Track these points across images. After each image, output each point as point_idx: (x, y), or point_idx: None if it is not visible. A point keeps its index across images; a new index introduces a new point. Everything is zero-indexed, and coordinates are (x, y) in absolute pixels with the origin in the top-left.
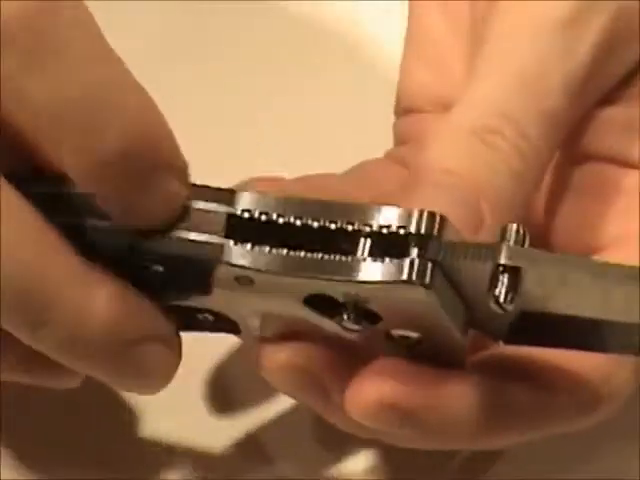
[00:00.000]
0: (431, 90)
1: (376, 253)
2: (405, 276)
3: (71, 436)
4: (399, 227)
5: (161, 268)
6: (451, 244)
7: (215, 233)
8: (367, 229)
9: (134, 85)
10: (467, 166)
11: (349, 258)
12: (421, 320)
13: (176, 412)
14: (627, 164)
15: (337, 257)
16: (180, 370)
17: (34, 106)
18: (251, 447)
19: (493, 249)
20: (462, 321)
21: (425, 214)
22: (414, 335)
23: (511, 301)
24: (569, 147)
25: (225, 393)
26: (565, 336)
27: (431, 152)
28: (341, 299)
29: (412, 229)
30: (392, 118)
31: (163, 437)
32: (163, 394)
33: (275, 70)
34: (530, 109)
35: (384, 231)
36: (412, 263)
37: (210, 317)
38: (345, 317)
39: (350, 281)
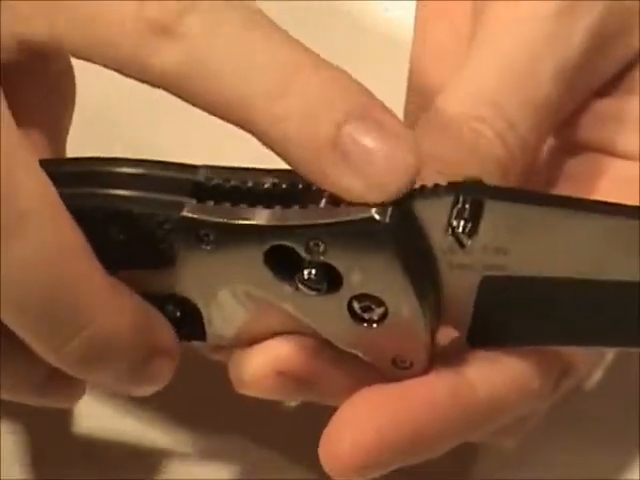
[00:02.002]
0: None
1: (337, 203)
2: (365, 213)
3: (70, 437)
4: None
5: (122, 236)
6: (411, 190)
7: (179, 194)
8: None
9: None
10: (451, 152)
11: (311, 206)
12: (380, 277)
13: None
14: (618, 154)
15: (298, 207)
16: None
17: None
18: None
19: (453, 185)
20: (424, 291)
21: None
22: (376, 308)
23: (470, 234)
24: (564, 137)
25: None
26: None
27: (417, 137)
28: (302, 253)
29: None
30: None
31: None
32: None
33: None
34: (519, 98)
35: None
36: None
37: (177, 312)
38: (306, 273)
39: (311, 225)
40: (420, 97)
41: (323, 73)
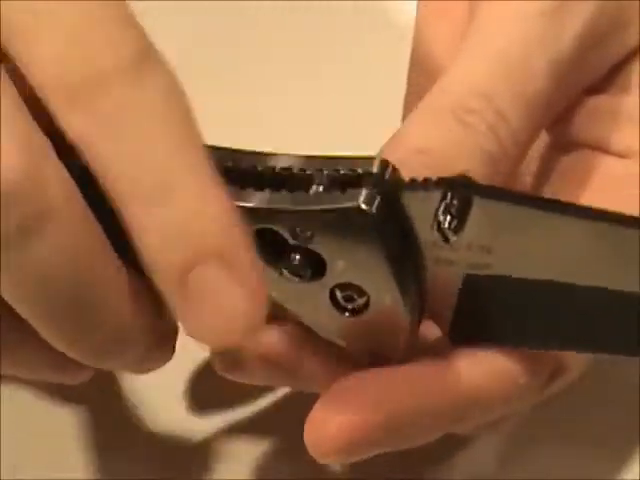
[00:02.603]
0: None
1: (328, 189)
2: (352, 202)
3: (70, 436)
4: (352, 170)
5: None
6: (401, 180)
7: None
8: (321, 172)
9: None
10: (440, 145)
11: (299, 192)
12: (364, 267)
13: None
14: (611, 152)
15: (286, 192)
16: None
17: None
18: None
19: (443, 180)
20: (407, 284)
21: (378, 159)
22: (358, 298)
23: (455, 230)
24: (557, 135)
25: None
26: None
27: (406, 128)
28: (288, 238)
29: (364, 170)
30: None
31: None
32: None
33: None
34: (511, 92)
35: (337, 173)
36: (360, 192)
37: None
38: (290, 258)
39: (298, 211)
40: (420, 97)
41: (197, 195)
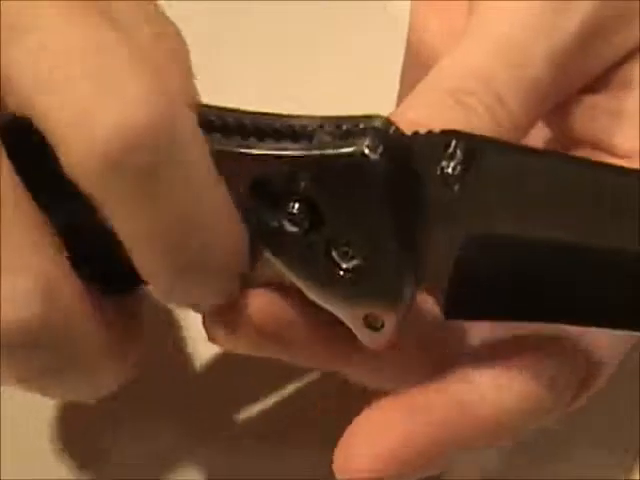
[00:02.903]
0: None
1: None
2: (355, 147)
3: (70, 435)
4: (355, 125)
5: None
6: (405, 135)
7: None
8: (323, 128)
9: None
10: (438, 124)
11: (302, 141)
12: (363, 218)
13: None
14: (610, 151)
15: (288, 141)
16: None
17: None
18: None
19: (447, 131)
20: (406, 242)
21: (383, 118)
22: (354, 256)
23: (459, 178)
24: (557, 132)
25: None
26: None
27: (404, 107)
28: (289, 185)
29: (369, 124)
30: None
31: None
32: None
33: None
34: (510, 75)
35: (340, 129)
36: (364, 140)
37: None
38: (290, 206)
39: (299, 156)
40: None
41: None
